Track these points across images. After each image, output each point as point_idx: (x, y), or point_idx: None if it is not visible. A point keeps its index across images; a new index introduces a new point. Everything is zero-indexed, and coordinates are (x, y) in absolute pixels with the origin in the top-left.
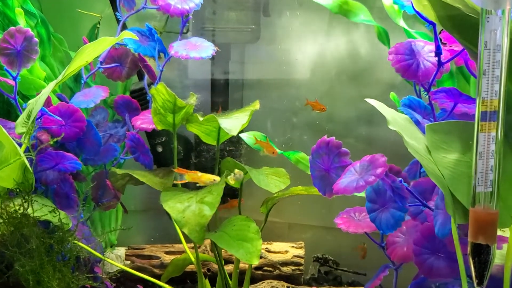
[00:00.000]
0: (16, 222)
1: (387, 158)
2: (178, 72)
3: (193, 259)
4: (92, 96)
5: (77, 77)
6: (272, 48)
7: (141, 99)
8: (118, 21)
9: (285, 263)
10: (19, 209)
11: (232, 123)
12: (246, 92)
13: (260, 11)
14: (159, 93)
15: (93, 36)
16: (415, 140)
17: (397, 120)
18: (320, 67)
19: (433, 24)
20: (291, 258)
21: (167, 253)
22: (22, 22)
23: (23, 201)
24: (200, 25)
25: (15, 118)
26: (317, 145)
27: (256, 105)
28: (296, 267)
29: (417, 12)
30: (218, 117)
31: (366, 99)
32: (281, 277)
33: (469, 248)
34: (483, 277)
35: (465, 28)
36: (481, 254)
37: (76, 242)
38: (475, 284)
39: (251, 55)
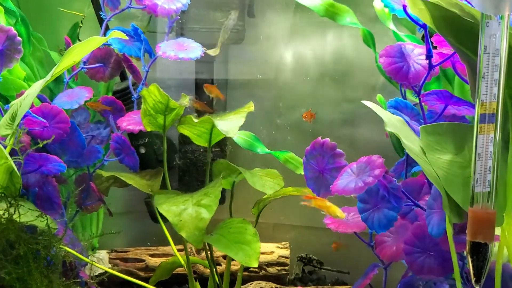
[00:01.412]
0: (2, 228)
1: None
2: (161, 72)
3: (183, 262)
4: (75, 97)
5: (57, 78)
6: (256, 49)
7: (124, 100)
8: (99, 20)
9: (271, 264)
10: (4, 213)
11: (229, 125)
12: (230, 93)
13: (245, 12)
14: (151, 94)
15: (74, 35)
16: (411, 142)
17: (393, 122)
18: (303, 68)
19: (425, 28)
20: (277, 258)
21: (152, 255)
22: (2, 20)
23: (8, 205)
24: (184, 25)
25: None
26: (311, 146)
27: (251, 107)
28: (282, 267)
29: (408, 15)
30: (214, 118)
31: (362, 101)
32: (267, 278)
33: (467, 247)
34: (481, 275)
35: (461, 32)
36: (480, 253)
37: (62, 246)
38: (473, 282)
39: (235, 56)
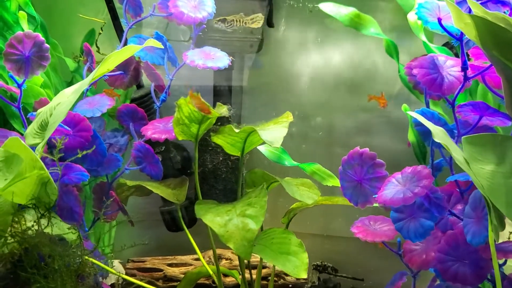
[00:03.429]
0: (36, 241)
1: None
2: (179, 79)
3: (211, 272)
4: (97, 105)
5: (70, 84)
6: (274, 58)
7: (142, 108)
8: (116, 27)
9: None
10: (32, 226)
11: (273, 135)
12: (246, 101)
13: (264, 21)
14: (188, 103)
15: (90, 42)
16: (455, 153)
17: (439, 133)
18: (319, 77)
19: (461, 40)
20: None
21: (170, 265)
22: (25, 26)
23: (39, 217)
24: (204, 34)
25: (11, 128)
26: (349, 156)
27: (290, 117)
28: None
29: (443, 28)
30: (256, 128)
31: (408, 112)
32: (285, 286)
33: None
34: None
35: (507, 45)
36: None
37: (91, 259)
38: None
39: (253, 64)
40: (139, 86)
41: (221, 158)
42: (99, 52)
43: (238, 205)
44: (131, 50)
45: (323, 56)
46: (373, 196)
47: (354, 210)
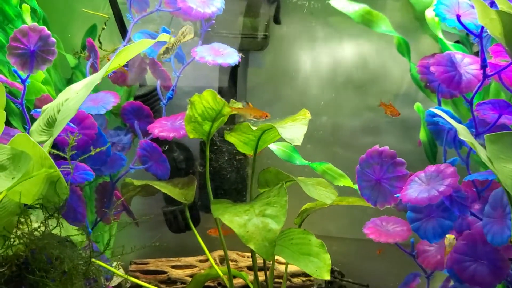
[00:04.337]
0: (45, 243)
1: None
2: (184, 77)
3: (221, 274)
4: (101, 102)
5: (69, 80)
6: (279, 56)
7: (147, 105)
8: (118, 22)
9: (295, 274)
10: (39, 227)
11: (293, 133)
12: (250, 99)
13: (270, 18)
14: (203, 100)
15: (93, 38)
16: (480, 151)
17: (463, 131)
18: (326, 76)
19: (480, 37)
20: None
21: (174, 267)
22: (28, 19)
23: (47, 217)
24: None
25: (10, 125)
26: (367, 154)
27: (307, 114)
28: (307, 278)
29: (462, 24)
30: (275, 126)
31: (431, 109)
32: None
33: None
34: None
35: None
36: None
37: (98, 261)
38: None
39: (258, 62)
40: (141, 84)
41: (226, 158)
42: (101, 48)
43: (256, 204)
44: (145, 44)
45: (327, 54)
46: (394, 195)
47: (356, 210)
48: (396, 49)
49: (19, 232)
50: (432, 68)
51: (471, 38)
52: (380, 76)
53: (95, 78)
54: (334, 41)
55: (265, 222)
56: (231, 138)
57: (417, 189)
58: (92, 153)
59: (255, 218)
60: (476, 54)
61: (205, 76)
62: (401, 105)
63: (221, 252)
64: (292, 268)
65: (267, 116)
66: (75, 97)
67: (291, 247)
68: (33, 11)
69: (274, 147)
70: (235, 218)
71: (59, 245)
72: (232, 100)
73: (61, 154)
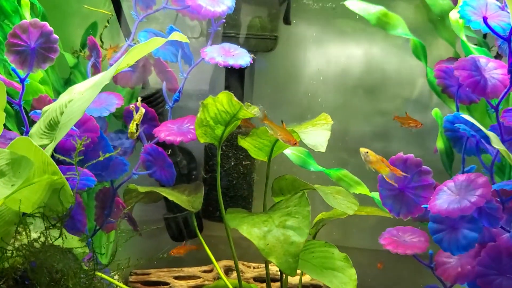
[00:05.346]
0: (48, 255)
1: None
2: (189, 79)
3: (230, 286)
4: (104, 104)
5: (68, 80)
6: (287, 58)
7: (151, 108)
8: (120, 20)
9: (305, 286)
10: (39, 237)
11: (316, 139)
12: (257, 102)
13: (280, 18)
14: (217, 102)
15: (94, 36)
16: (510, 159)
17: (494, 139)
18: (335, 79)
19: (509, 41)
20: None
21: (177, 278)
22: (27, 15)
23: (47, 227)
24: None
25: (9, 127)
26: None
27: (329, 119)
28: None
29: (489, 26)
30: (298, 131)
31: (461, 115)
32: None
33: None
34: None
35: None
36: None
37: (101, 274)
38: None
39: (267, 63)
40: (143, 85)
41: (232, 163)
42: (102, 47)
43: (275, 215)
44: (156, 43)
45: (339, 57)
46: (419, 206)
47: (363, 218)
48: (412, 52)
49: (17, 244)
50: (456, 72)
51: (489, 41)
52: (392, 80)
53: (103, 78)
54: (346, 43)
55: (287, 234)
56: (244, 143)
57: (446, 200)
58: (101, 158)
59: (276, 230)
60: (495, 58)
61: (209, 78)
62: (413, 111)
63: (225, 262)
64: (306, 278)
65: (296, 143)
66: (80, 98)
67: (313, 260)
68: (31, 6)
69: (288, 151)
70: (253, 229)
71: (62, 258)
72: (247, 103)
73: (67, 159)
